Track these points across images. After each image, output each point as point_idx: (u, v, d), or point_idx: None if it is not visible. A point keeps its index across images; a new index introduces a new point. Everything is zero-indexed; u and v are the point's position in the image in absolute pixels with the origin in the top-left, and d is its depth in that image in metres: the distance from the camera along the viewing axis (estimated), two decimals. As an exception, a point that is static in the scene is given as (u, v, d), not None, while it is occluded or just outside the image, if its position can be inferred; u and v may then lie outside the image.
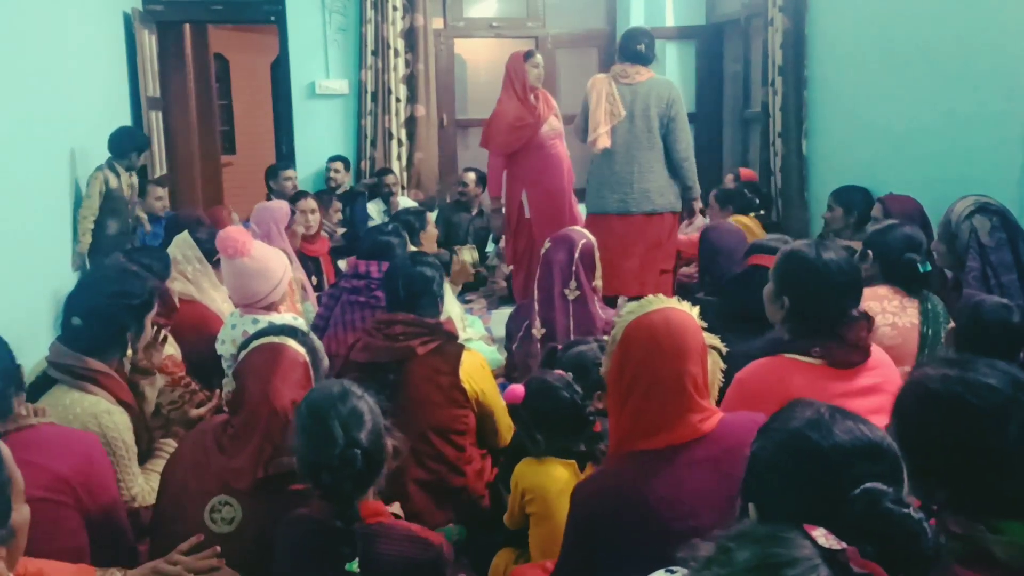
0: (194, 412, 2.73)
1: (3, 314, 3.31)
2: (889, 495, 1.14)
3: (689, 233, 5.87)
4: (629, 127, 4.55)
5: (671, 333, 1.83)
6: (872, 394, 2.13)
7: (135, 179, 5.07)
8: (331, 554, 1.81)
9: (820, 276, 2.20)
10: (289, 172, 6.47)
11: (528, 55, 5.17)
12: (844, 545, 1.04)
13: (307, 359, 2.21)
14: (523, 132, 5.06)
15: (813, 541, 1.04)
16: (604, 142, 4.51)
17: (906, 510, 1.13)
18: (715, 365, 2.03)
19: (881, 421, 2.04)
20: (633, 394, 1.84)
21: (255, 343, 2.23)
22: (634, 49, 4.63)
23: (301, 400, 1.97)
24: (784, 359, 2.18)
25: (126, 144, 4.91)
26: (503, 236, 5.71)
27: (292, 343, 2.21)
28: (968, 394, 1.37)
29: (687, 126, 4.70)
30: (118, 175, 4.81)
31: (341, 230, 6.34)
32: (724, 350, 2.09)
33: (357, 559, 1.78)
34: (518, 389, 2.44)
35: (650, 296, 1.93)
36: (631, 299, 4.77)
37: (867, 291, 2.86)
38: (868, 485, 1.16)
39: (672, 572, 1.33)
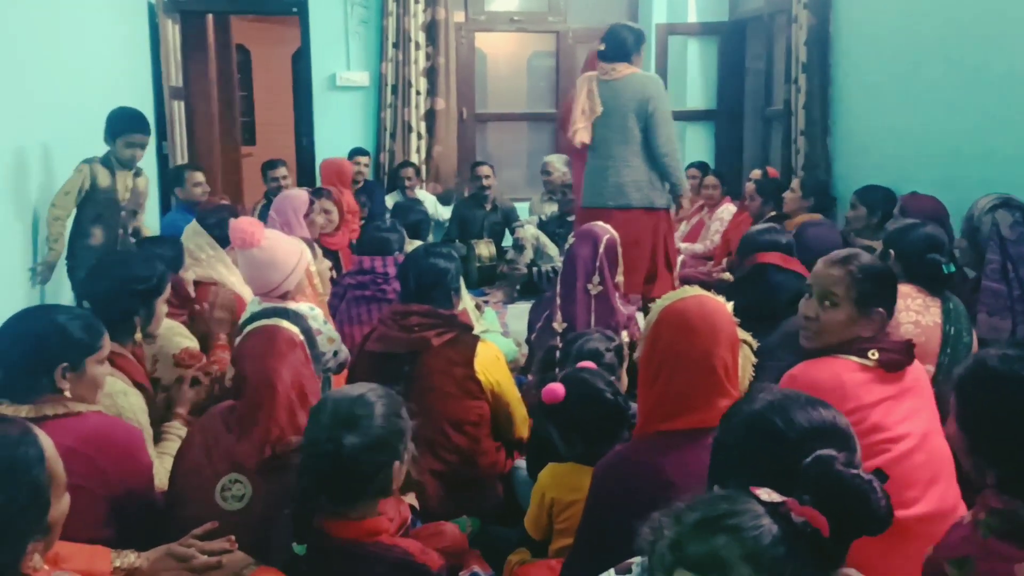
0: (188, 390, 2.70)
1: None
2: (838, 459, 1.20)
3: (723, 219, 5.82)
4: (606, 123, 4.54)
5: (704, 316, 1.86)
6: (917, 395, 2.13)
7: (139, 182, 4.17)
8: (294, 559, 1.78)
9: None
10: (278, 171, 6.35)
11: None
12: (784, 498, 1.11)
13: (302, 339, 2.20)
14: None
15: (757, 498, 1.11)
16: (582, 137, 4.53)
17: (854, 471, 1.18)
18: (746, 360, 2.01)
19: (920, 423, 2.03)
20: (662, 374, 1.86)
21: (249, 327, 2.23)
22: (599, 50, 4.64)
23: (299, 377, 1.98)
24: (839, 359, 2.14)
25: (120, 126, 3.96)
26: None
27: (286, 324, 2.21)
28: None
29: (668, 121, 4.57)
30: (112, 171, 3.95)
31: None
32: (755, 345, 2.06)
33: (305, 545, 1.76)
34: (558, 389, 2.29)
35: (686, 286, 1.96)
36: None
37: (890, 289, 2.84)
38: (819, 452, 1.22)
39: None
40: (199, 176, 5.51)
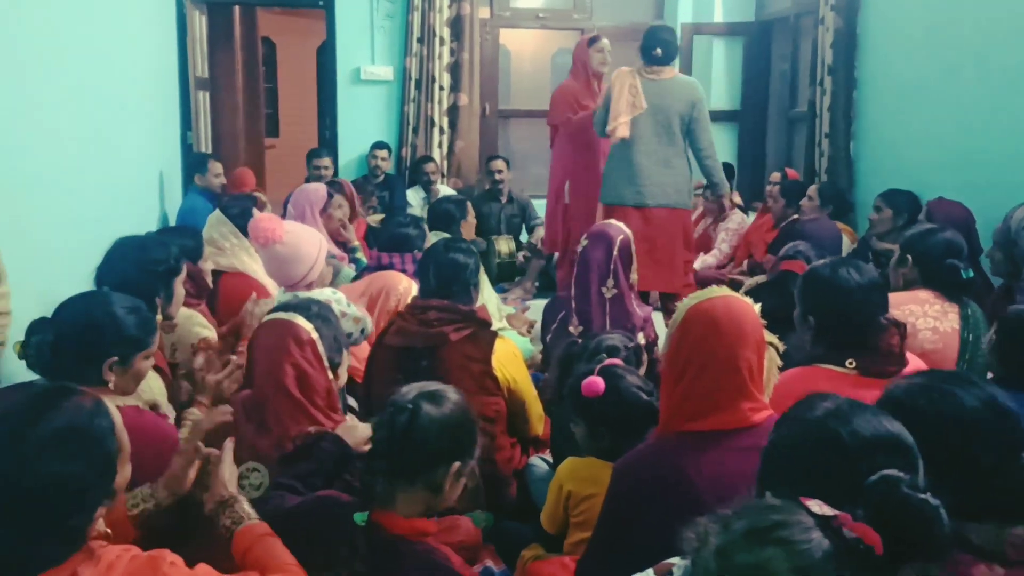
0: (210, 378, 2.69)
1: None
2: (906, 481, 1.15)
3: (730, 229, 5.81)
4: (650, 121, 4.59)
5: (731, 318, 1.85)
6: None
7: None
8: (340, 547, 1.78)
9: (838, 292, 2.21)
10: (322, 160, 6.35)
11: (593, 40, 5.29)
12: (837, 512, 1.06)
13: (314, 336, 2.21)
14: (587, 115, 5.17)
15: (808, 510, 1.07)
16: (623, 132, 4.57)
17: (923, 496, 1.13)
18: (772, 362, 2.00)
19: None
20: (687, 374, 1.84)
21: (264, 319, 2.27)
22: (651, 54, 4.68)
23: (304, 375, 2.01)
24: (818, 368, 2.19)
25: None
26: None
27: (300, 321, 2.22)
28: (935, 405, 1.49)
29: (709, 125, 4.77)
30: None
31: (379, 216, 6.35)
32: (781, 348, 2.06)
33: (367, 514, 1.77)
34: (599, 383, 2.30)
35: (713, 286, 1.96)
36: (642, 293, 4.79)
37: (908, 294, 2.83)
38: (885, 472, 1.17)
39: (686, 558, 1.34)
40: (219, 167, 5.59)
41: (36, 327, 2.04)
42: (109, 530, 1.51)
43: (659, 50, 4.64)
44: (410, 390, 1.84)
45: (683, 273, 4.75)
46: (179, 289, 2.67)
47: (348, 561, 1.76)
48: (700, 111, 4.66)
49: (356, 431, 2.15)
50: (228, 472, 1.87)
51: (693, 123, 4.65)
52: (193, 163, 5.64)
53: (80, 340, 2.02)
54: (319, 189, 4.59)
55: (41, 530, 1.37)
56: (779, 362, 2.07)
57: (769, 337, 1.97)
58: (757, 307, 1.93)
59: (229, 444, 1.91)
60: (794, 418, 1.41)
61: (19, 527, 1.36)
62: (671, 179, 4.64)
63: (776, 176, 5.77)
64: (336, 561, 1.78)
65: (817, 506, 1.08)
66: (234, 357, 2.87)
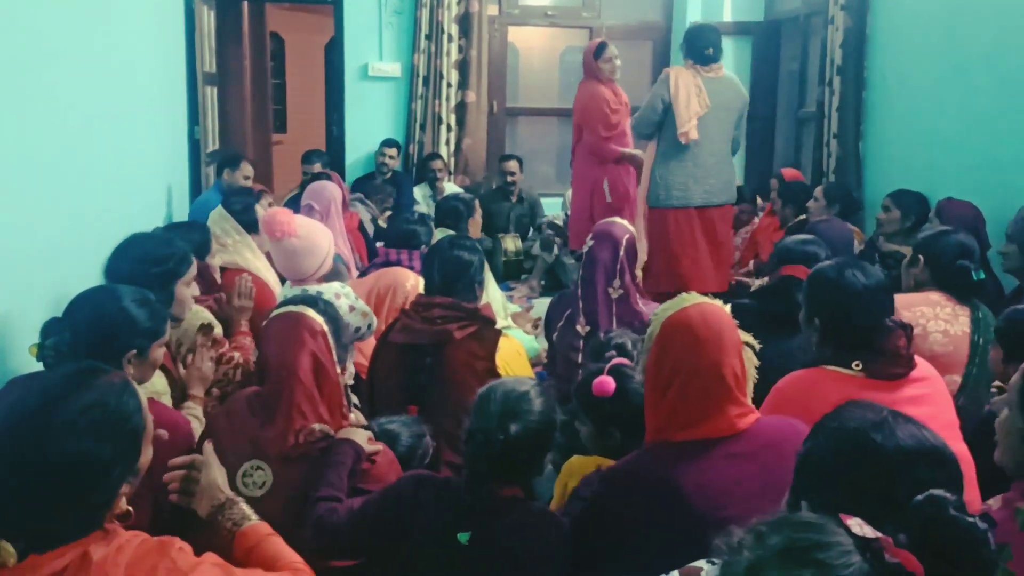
0: (193, 369, 2.68)
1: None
2: (953, 503, 1.10)
3: (745, 239, 5.78)
4: (713, 119, 4.60)
5: (708, 325, 1.85)
6: (918, 405, 2.08)
7: None
8: (447, 519, 1.86)
9: (844, 294, 2.20)
10: (312, 167, 6.25)
11: (598, 52, 5.25)
12: (879, 534, 1.02)
13: (325, 328, 2.21)
14: (617, 116, 5.22)
15: (848, 529, 1.02)
16: (695, 134, 4.56)
17: (971, 519, 1.09)
18: (748, 362, 2.00)
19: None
20: (672, 386, 1.84)
21: (275, 312, 2.27)
22: (704, 54, 4.67)
23: (320, 366, 2.05)
24: (824, 371, 2.18)
25: None
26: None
27: (311, 312, 2.22)
28: None
29: None
30: None
31: (387, 213, 6.35)
32: (757, 347, 2.05)
33: (470, 533, 1.83)
34: (608, 383, 2.30)
35: (683, 294, 1.95)
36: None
37: (920, 296, 2.82)
38: (933, 492, 1.11)
39: (713, 563, 1.31)
40: (250, 169, 5.57)
41: (51, 328, 2.05)
42: (131, 508, 1.51)
43: (711, 49, 4.68)
44: (497, 408, 1.90)
45: (726, 271, 4.85)
46: (181, 292, 2.63)
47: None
48: (746, 107, 4.83)
49: (357, 435, 2.14)
50: (218, 474, 1.88)
51: (740, 120, 4.78)
52: (226, 159, 5.62)
53: (97, 338, 2.03)
54: (336, 187, 4.62)
55: (64, 505, 1.38)
56: (756, 361, 2.07)
57: (744, 336, 1.97)
58: (727, 308, 1.93)
59: (209, 446, 1.91)
60: (831, 427, 1.37)
61: (44, 501, 1.37)
62: (729, 175, 4.75)
63: (774, 182, 5.73)
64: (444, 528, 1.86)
65: (858, 526, 1.02)
66: (236, 353, 2.87)
